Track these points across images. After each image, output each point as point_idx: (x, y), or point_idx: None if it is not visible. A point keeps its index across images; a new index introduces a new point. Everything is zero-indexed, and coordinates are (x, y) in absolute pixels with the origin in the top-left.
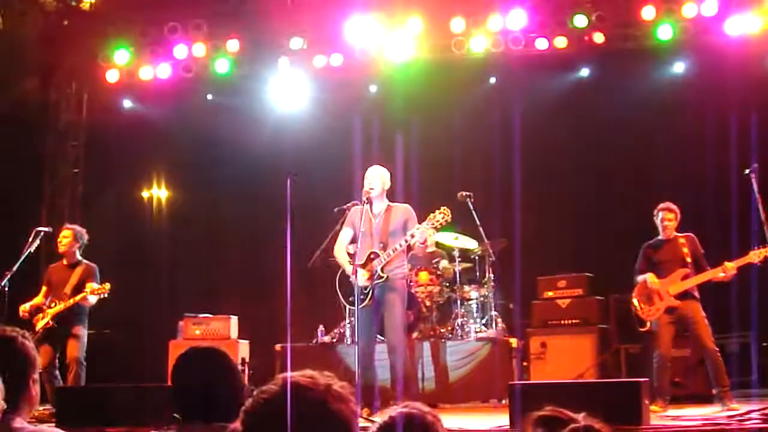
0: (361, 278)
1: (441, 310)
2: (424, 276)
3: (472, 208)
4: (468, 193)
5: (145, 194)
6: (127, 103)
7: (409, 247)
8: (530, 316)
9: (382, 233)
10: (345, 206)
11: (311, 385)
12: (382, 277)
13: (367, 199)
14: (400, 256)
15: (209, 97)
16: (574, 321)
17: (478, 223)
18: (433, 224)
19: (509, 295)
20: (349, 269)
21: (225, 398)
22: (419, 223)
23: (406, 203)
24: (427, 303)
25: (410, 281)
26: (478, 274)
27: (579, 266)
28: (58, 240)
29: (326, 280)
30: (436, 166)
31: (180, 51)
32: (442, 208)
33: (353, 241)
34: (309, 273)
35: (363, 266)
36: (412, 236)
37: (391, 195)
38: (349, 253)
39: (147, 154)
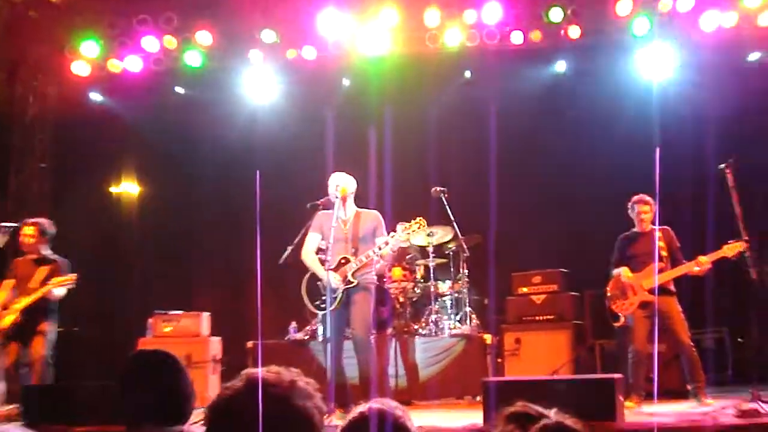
0: (333, 280)
1: (415, 307)
2: (397, 272)
3: (446, 203)
4: (442, 189)
5: (115, 189)
6: (95, 97)
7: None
8: (505, 312)
9: (353, 239)
10: (318, 201)
11: (275, 381)
12: (351, 283)
13: (342, 198)
14: (371, 263)
15: (180, 90)
16: (548, 317)
17: (452, 218)
18: (407, 233)
19: (483, 291)
20: (320, 272)
21: (174, 402)
22: (393, 224)
23: (380, 199)
24: (401, 299)
25: (383, 277)
26: (452, 269)
27: (554, 262)
28: (21, 236)
29: (299, 276)
30: (410, 161)
31: (150, 43)
32: (418, 218)
33: (321, 247)
34: (282, 269)
35: (334, 270)
36: (386, 243)
37: (360, 198)
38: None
39: (117, 149)
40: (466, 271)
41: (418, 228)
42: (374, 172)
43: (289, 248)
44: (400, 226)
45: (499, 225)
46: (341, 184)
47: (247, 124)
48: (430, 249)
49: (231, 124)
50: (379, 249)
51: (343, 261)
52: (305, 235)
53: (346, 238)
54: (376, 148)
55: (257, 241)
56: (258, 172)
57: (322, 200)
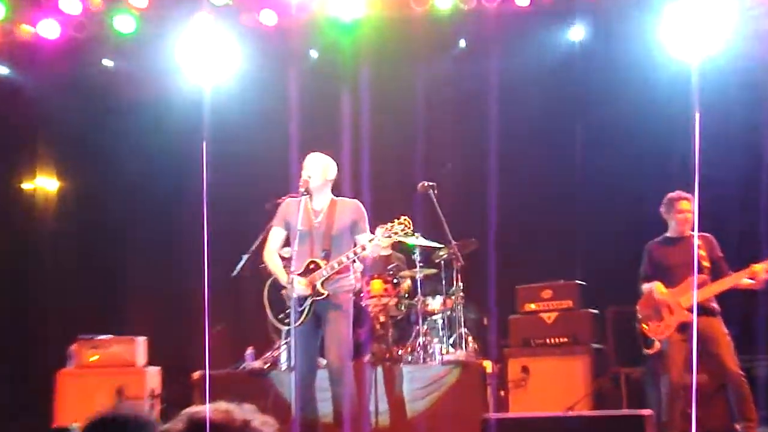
0: (299, 287)
1: (399, 328)
2: (377, 285)
3: (435, 201)
4: (431, 184)
5: (27, 185)
6: (1, 69)
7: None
8: (508, 333)
9: (325, 236)
10: (279, 200)
11: (225, 421)
12: (321, 295)
13: (305, 190)
14: (348, 265)
15: (108, 63)
16: (562, 339)
17: (443, 220)
18: (389, 237)
19: (482, 308)
20: (282, 278)
21: None
22: (371, 226)
23: (356, 196)
24: (381, 319)
25: (361, 292)
26: (444, 282)
27: (568, 272)
28: None
29: (257, 291)
30: (392, 151)
31: (70, 5)
32: (402, 218)
33: (287, 243)
34: (237, 283)
35: (301, 276)
36: (363, 248)
37: (336, 190)
38: (282, 257)
39: (29, 135)
40: (460, 284)
41: (402, 230)
42: (348, 164)
43: (246, 256)
44: (379, 230)
45: (501, 228)
46: (311, 171)
47: (191, 105)
48: (417, 257)
49: (171, 104)
50: (354, 254)
51: (311, 266)
52: (266, 235)
53: (316, 234)
54: (350, 134)
55: (205, 248)
56: (204, 163)
57: (285, 197)
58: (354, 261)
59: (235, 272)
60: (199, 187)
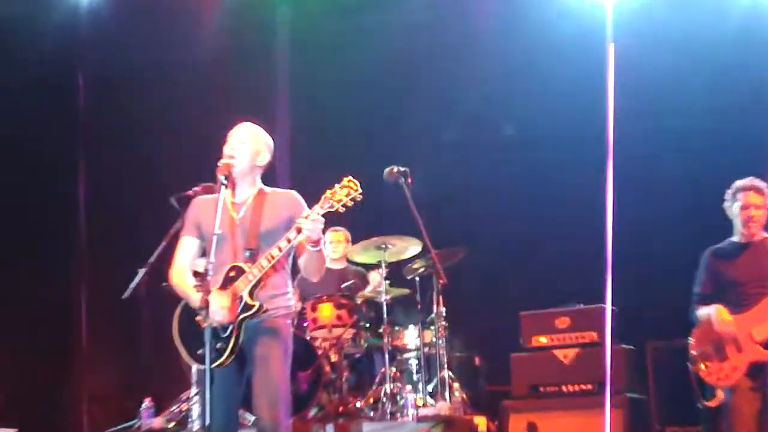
0: (218, 311)
1: (357, 370)
2: (327, 311)
3: (408, 193)
4: (402, 169)
5: None
6: None
7: (296, 257)
8: (509, 378)
9: (250, 233)
10: (189, 192)
11: None
12: (252, 308)
13: (225, 176)
14: (282, 274)
15: None
16: (584, 387)
17: (419, 220)
18: (331, 205)
19: (472, 342)
20: (196, 299)
21: None
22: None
23: (297, 185)
24: (333, 357)
25: (304, 320)
26: (419, 306)
27: (592, 293)
28: None
29: (158, 320)
30: (345, 122)
31: None
32: (346, 179)
33: (204, 253)
34: (128, 309)
35: (220, 290)
36: (299, 230)
37: (269, 178)
38: (197, 273)
39: None
40: (442, 308)
41: (347, 195)
42: (286, 137)
43: (142, 271)
44: (321, 201)
45: (497, 230)
46: (238, 149)
47: (62, 41)
48: (383, 272)
49: (38, 35)
50: (288, 241)
51: (233, 273)
52: (171, 250)
53: (238, 232)
54: (291, 99)
55: (78, 262)
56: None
57: (196, 188)
58: (292, 257)
59: (126, 293)
60: (73, 175)
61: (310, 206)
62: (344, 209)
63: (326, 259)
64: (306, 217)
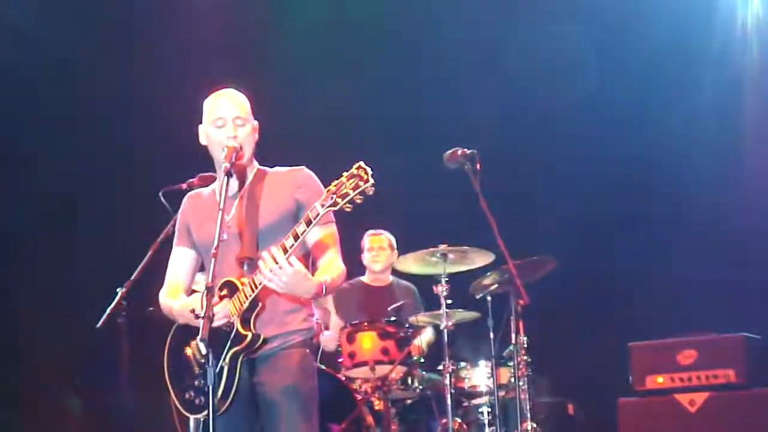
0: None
1: (410, 421)
2: (369, 342)
3: (476, 184)
4: (469, 152)
5: None
6: None
7: (314, 259)
8: (616, 431)
9: (246, 237)
10: (185, 183)
11: None
12: (243, 339)
13: (232, 163)
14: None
15: None
16: None
17: (490, 218)
18: (334, 202)
19: (564, 383)
20: (186, 307)
21: None
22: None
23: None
24: (377, 404)
25: (338, 354)
26: (494, 336)
27: (726, 318)
28: None
29: (141, 356)
30: (385, 97)
31: None
32: (355, 166)
33: (202, 267)
34: (102, 341)
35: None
36: (308, 221)
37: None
38: (196, 291)
39: None
40: (523, 338)
41: (355, 186)
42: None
43: (121, 290)
44: (324, 195)
45: (599, 235)
46: (241, 130)
47: None
48: (443, 291)
49: None
50: (295, 238)
51: (224, 292)
52: (161, 252)
53: (232, 237)
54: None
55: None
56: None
57: (192, 180)
58: (309, 260)
59: (100, 322)
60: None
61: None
62: (351, 207)
63: (366, 271)
64: (321, 206)
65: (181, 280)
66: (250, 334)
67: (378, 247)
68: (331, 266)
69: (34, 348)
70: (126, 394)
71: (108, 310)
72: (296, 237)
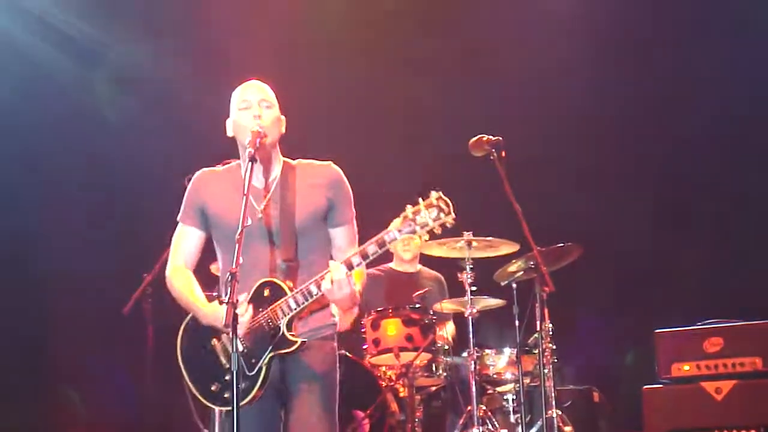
0: (246, 325)
1: (432, 410)
2: (394, 328)
3: (502, 171)
4: (494, 139)
5: None
6: None
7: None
8: (640, 420)
9: (285, 235)
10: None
11: None
12: (292, 344)
13: (256, 148)
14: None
15: None
16: None
17: (516, 205)
18: (413, 230)
19: (589, 371)
20: (216, 314)
21: None
22: (365, 221)
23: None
24: (402, 391)
25: (362, 341)
26: (519, 324)
27: (751, 303)
28: None
29: (168, 343)
30: (412, 83)
31: None
32: (435, 193)
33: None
34: (128, 328)
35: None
36: (382, 243)
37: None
38: (214, 278)
39: None
40: (548, 325)
41: (436, 219)
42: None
43: (148, 278)
44: (396, 221)
45: (623, 221)
46: (266, 115)
47: None
48: (468, 277)
49: None
50: (362, 257)
51: (266, 292)
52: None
53: (262, 230)
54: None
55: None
56: None
57: (220, 164)
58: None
59: (127, 307)
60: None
61: (373, 222)
62: (429, 238)
63: (394, 257)
64: (387, 234)
65: (189, 261)
66: (298, 342)
67: (409, 236)
68: (362, 272)
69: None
70: (150, 380)
71: (137, 296)
72: (365, 256)
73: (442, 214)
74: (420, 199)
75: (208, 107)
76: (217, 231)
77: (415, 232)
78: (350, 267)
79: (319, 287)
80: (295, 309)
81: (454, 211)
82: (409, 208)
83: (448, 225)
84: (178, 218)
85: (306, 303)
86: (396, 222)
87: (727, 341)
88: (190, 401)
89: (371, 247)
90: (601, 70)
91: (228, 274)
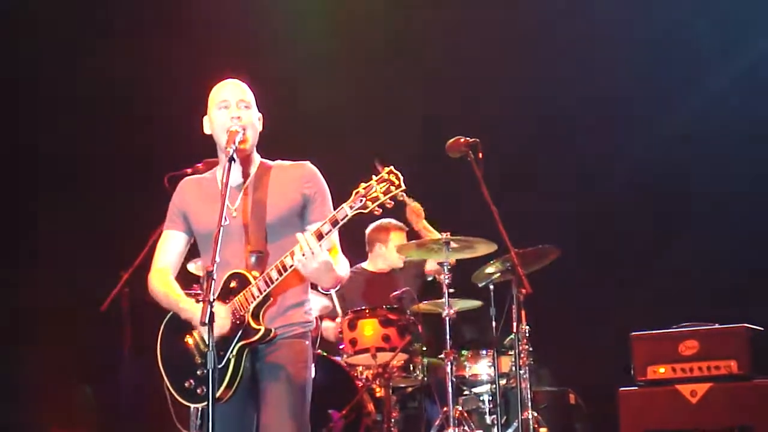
0: (220, 323)
1: (411, 409)
2: (370, 329)
3: (479, 172)
4: (472, 140)
5: None
6: None
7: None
8: (615, 422)
9: (254, 230)
10: (190, 168)
11: None
12: (256, 332)
13: (235, 147)
14: (297, 276)
15: None
16: None
17: (492, 207)
18: (364, 205)
19: (565, 372)
20: (192, 311)
21: None
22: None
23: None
24: (378, 391)
25: (339, 341)
26: (495, 325)
27: (728, 308)
28: None
29: (145, 341)
30: (388, 69)
31: None
32: (385, 170)
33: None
34: (104, 327)
35: (221, 301)
36: (335, 221)
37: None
38: (194, 278)
39: None
40: (525, 327)
41: (386, 191)
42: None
43: (124, 276)
44: (352, 197)
45: (602, 224)
46: (246, 116)
47: None
48: (446, 278)
49: None
50: (309, 248)
51: (232, 284)
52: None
53: (236, 227)
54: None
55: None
56: None
57: (200, 164)
58: (310, 260)
59: (104, 305)
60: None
61: (339, 200)
62: (380, 211)
63: (368, 257)
64: (339, 212)
65: (171, 264)
66: (262, 329)
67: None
68: (342, 261)
69: (38, 338)
70: (128, 377)
71: (114, 294)
72: (320, 236)
73: (392, 187)
74: (373, 176)
75: (188, 103)
76: (196, 235)
77: (367, 207)
78: (319, 236)
79: (292, 258)
80: (260, 296)
81: (401, 180)
82: (362, 185)
83: (399, 198)
84: (163, 227)
85: (279, 279)
86: (348, 201)
87: (703, 344)
88: (169, 402)
89: (325, 227)
90: (574, 70)
91: (205, 272)
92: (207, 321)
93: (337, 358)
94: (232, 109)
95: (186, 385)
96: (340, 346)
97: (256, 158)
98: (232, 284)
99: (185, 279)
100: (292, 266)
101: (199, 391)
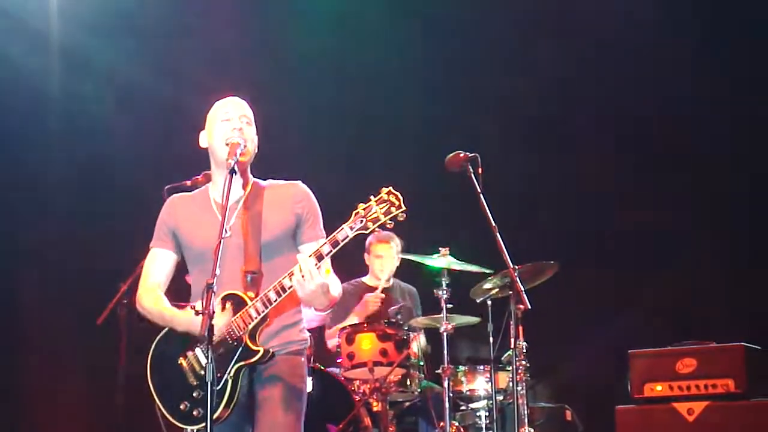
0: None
1: (405, 423)
2: (368, 343)
3: (478, 187)
4: (471, 155)
5: None
6: None
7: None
8: None
9: (249, 250)
10: (189, 181)
11: None
12: (254, 354)
13: (236, 160)
14: (292, 296)
15: None
16: None
17: (491, 222)
18: (365, 225)
19: (562, 389)
20: (191, 323)
21: None
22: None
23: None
24: (375, 406)
25: (337, 355)
26: (493, 341)
27: (725, 327)
28: None
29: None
30: (380, 86)
31: None
32: (385, 190)
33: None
34: (101, 340)
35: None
36: (336, 242)
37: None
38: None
39: None
40: (522, 343)
41: (386, 212)
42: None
43: (123, 288)
44: (352, 218)
45: (601, 240)
46: (248, 131)
47: None
48: (443, 293)
49: None
50: (318, 259)
51: (227, 304)
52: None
53: (231, 245)
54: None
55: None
56: None
57: (199, 176)
58: (306, 282)
59: (101, 317)
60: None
61: (333, 222)
62: (381, 231)
63: (369, 272)
64: (339, 233)
65: (160, 284)
66: (261, 350)
67: (386, 256)
68: (334, 281)
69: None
70: (122, 390)
71: (112, 306)
72: (320, 257)
73: (393, 208)
74: (371, 196)
75: (186, 119)
76: (187, 252)
77: (367, 228)
78: (319, 258)
79: (291, 279)
80: (257, 317)
81: (401, 201)
82: (361, 206)
83: (400, 218)
84: (150, 245)
85: (277, 300)
86: (348, 221)
87: (700, 363)
88: (163, 427)
89: (325, 248)
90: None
91: (205, 284)
92: (206, 334)
93: (335, 371)
94: (234, 122)
95: (181, 407)
96: (338, 360)
97: (250, 177)
98: (228, 306)
99: (185, 291)
100: (291, 287)
101: (195, 412)
